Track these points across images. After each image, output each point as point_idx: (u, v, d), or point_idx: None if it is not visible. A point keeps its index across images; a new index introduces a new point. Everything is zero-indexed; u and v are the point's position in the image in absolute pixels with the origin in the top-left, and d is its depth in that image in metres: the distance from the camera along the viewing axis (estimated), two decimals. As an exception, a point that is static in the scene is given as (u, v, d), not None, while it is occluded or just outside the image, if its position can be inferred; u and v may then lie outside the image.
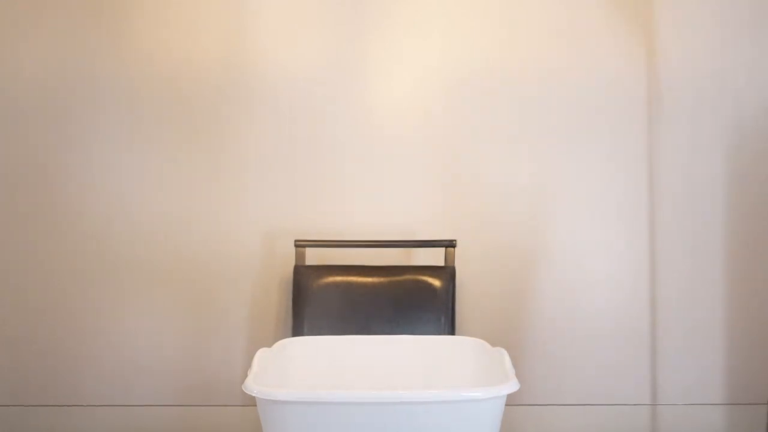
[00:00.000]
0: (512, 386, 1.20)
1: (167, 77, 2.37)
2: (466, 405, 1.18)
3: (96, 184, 2.38)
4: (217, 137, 2.39)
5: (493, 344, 1.56)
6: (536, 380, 2.41)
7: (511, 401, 1.27)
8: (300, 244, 2.32)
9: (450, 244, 2.32)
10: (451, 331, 2.24)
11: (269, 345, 1.53)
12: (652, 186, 2.42)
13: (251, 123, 2.39)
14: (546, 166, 2.41)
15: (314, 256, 2.37)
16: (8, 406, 2.40)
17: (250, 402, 1.24)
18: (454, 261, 2.31)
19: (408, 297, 2.24)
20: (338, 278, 2.27)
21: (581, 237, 2.42)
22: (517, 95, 2.40)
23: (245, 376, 1.25)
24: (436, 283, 2.25)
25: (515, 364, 1.42)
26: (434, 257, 2.39)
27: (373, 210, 2.41)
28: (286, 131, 2.39)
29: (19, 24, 2.36)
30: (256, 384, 1.20)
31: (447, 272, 2.27)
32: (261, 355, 1.39)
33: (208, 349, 2.41)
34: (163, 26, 2.37)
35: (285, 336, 2.39)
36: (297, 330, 2.23)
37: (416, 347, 1.55)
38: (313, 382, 1.49)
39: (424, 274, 2.27)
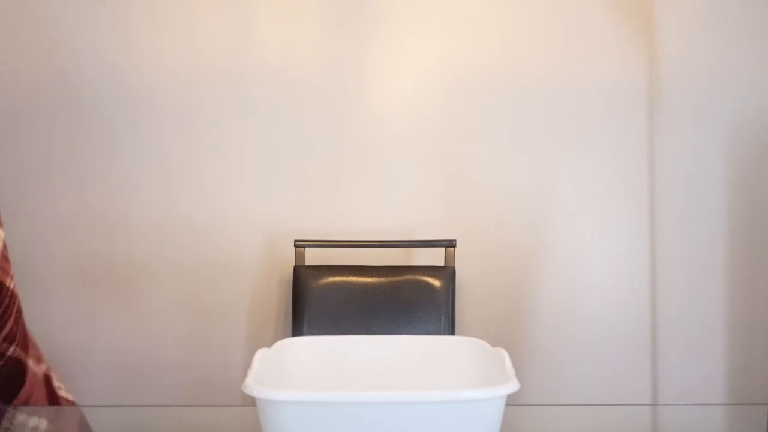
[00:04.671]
0: (512, 386, 1.20)
1: (166, 76, 2.37)
2: (466, 405, 1.18)
3: (95, 184, 2.38)
4: (216, 137, 2.39)
5: (493, 344, 1.55)
6: (536, 380, 2.41)
7: (511, 401, 1.27)
8: (300, 244, 2.32)
9: (450, 244, 2.32)
10: (451, 331, 2.24)
11: (269, 345, 1.52)
12: (652, 186, 2.42)
13: (251, 123, 2.39)
14: (546, 166, 2.41)
15: (314, 256, 2.37)
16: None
17: (250, 402, 1.24)
18: (454, 261, 2.31)
19: (408, 297, 2.24)
20: (338, 278, 2.27)
21: (581, 237, 2.42)
22: (517, 95, 2.40)
23: (245, 376, 1.25)
24: (436, 283, 2.25)
25: (515, 364, 1.42)
26: (434, 257, 2.38)
27: (373, 210, 2.41)
28: (286, 131, 2.39)
29: (18, 23, 2.36)
30: (255, 384, 1.20)
31: (447, 272, 2.27)
32: (261, 355, 1.39)
33: (207, 349, 2.41)
34: (163, 26, 2.37)
35: (285, 336, 2.39)
36: (297, 330, 2.23)
37: (416, 347, 1.55)
38: (313, 382, 1.49)
39: (424, 274, 2.27)
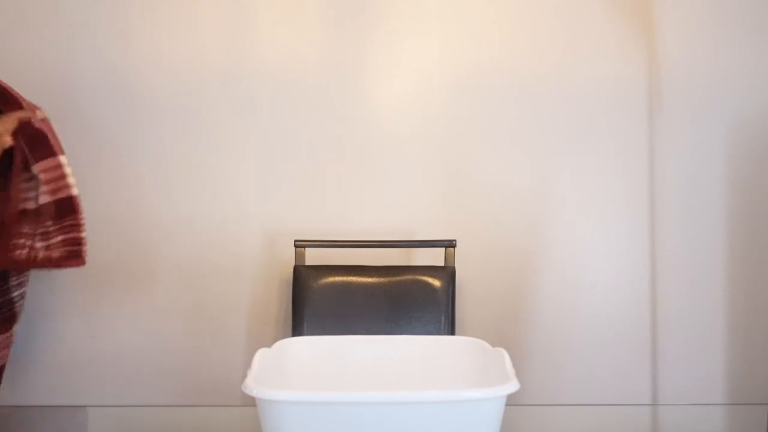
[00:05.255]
0: (512, 386, 1.20)
1: (166, 76, 2.37)
2: (466, 405, 1.18)
3: (95, 184, 2.37)
4: (216, 137, 2.39)
5: (493, 344, 1.56)
6: (536, 380, 2.41)
7: (511, 401, 1.27)
8: (300, 244, 2.32)
9: (450, 244, 2.32)
10: (451, 331, 2.24)
11: (269, 345, 1.53)
12: (652, 186, 2.42)
13: (251, 123, 2.39)
14: (546, 166, 2.41)
15: (314, 256, 2.37)
16: (8, 406, 2.40)
17: (250, 402, 1.24)
18: (454, 261, 2.31)
19: (408, 297, 2.24)
20: (338, 278, 2.27)
21: (581, 237, 2.42)
22: (517, 95, 2.40)
23: (245, 376, 1.25)
24: (436, 283, 2.25)
25: (515, 364, 1.42)
26: (434, 257, 2.38)
27: (373, 210, 2.41)
28: (286, 131, 2.39)
29: (18, 23, 2.36)
30: (255, 384, 1.20)
31: (447, 272, 2.27)
32: (261, 355, 1.39)
33: (207, 349, 2.41)
34: (163, 26, 2.37)
35: (285, 336, 2.39)
36: (297, 330, 2.23)
37: (416, 347, 1.55)
38: (313, 382, 1.49)
39: (424, 274, 2.27)
